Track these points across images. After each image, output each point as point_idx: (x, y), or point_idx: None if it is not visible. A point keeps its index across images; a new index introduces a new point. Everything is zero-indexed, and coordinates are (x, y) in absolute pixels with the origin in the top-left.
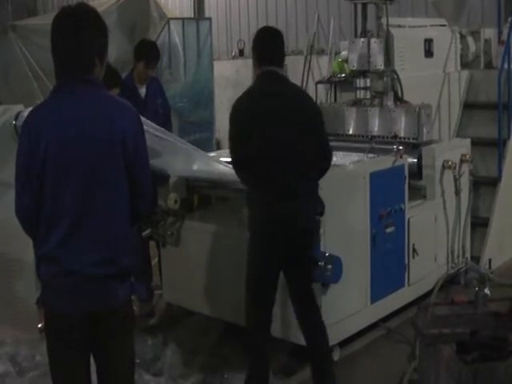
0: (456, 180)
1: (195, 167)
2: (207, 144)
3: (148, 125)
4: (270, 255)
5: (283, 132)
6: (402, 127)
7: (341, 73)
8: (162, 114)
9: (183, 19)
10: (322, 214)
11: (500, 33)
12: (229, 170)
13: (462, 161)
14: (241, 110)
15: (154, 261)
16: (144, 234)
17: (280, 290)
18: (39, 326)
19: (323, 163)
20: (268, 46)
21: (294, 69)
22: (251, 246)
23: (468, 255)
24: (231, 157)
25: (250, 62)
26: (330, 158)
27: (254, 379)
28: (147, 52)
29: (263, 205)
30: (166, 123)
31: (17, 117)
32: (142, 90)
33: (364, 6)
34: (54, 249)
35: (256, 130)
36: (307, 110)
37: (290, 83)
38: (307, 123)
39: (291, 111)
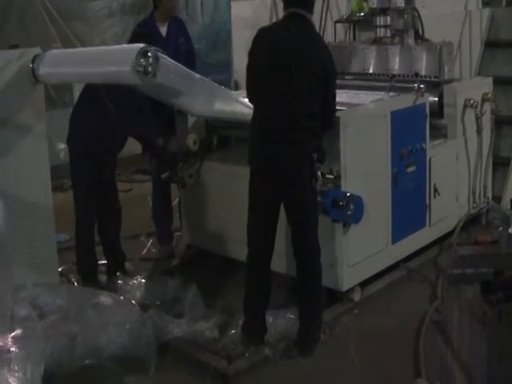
0: (477, 119)
1: (216, 107)
2: (225, 85)
3: (170, 64)
4: (265, 196)
5: (294, 75)
6: (422, 65)
7: (360, 12)
8: (185, 52)
9: None
10: (321, 161)
11: None
12: (248, 111)
13: (483, 99)
14: (258, 42)
15: (175, 202)
16: (163, 176)
17: (285, 227)
18: (59, 270)
19: (327, 117)
20: None
21: None
22: (249, 183)
23: (489, 195)
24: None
25: (268, 2)
26: (333, 115)
27: (252, 310)
28: None
29: (259, 145)
30: (188, 62)
31: (34, 60)
32: (163, 29)
33: None
34: None
35: (268, 66)
36: (323, 61)
37: (313, 30)
38: (320, 73)
39: (307, 57)
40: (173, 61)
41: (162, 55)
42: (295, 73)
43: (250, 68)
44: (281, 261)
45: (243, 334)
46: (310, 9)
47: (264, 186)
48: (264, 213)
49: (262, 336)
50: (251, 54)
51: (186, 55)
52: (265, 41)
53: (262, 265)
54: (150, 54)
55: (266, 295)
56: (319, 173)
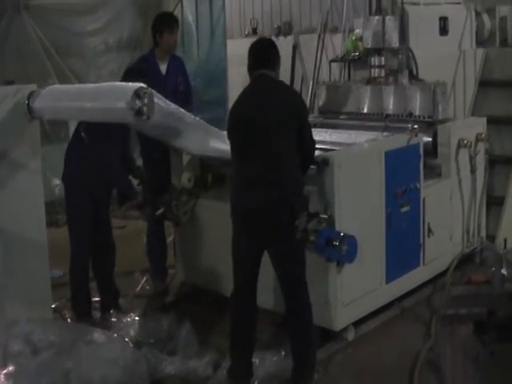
0: (471, 158)
1: (210, 146)
2: (221, 123)
3: (166, 104)
4: (246, 243)
5: (266, 129)
6: (417, 105)
7: (355, 51)
8: (183, 91)
9: None
10: (303, 208)
11: None
12: None
13: (477, 139)
14: (232, 108)
15: (169, 239)
16: (158, 213)
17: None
18: (53, 306)
19: (305, 158)
20: (256, 56)
21: (307, 47)
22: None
23: (483, 234)
24: None
25: None
26: (312, 154)
27: (238, 351)
28: (167, 20)
29: (237, 194)
30: (186, 101)
31: (29, 96)
32: (163, 67)
33: None
34: None
35: (241, 125)
36: (294, 106)
37: (280, 81)
38: (293, 117)
39: (277, 105)
40: (167, 101)
41: (158, 95)
42: (267, 122)
43: (228, 134)
44: (267, 297)
45: (228, 378)
46: (276, 68)
47: (244, 235)
48: (246, 257)
49: (248, 381)
50: (228, 122)
51: (184, 94)
52: (237, 106)
53: (247, 302)
54: (145, 95)
55: (253, 333)
56: (297, 221)
